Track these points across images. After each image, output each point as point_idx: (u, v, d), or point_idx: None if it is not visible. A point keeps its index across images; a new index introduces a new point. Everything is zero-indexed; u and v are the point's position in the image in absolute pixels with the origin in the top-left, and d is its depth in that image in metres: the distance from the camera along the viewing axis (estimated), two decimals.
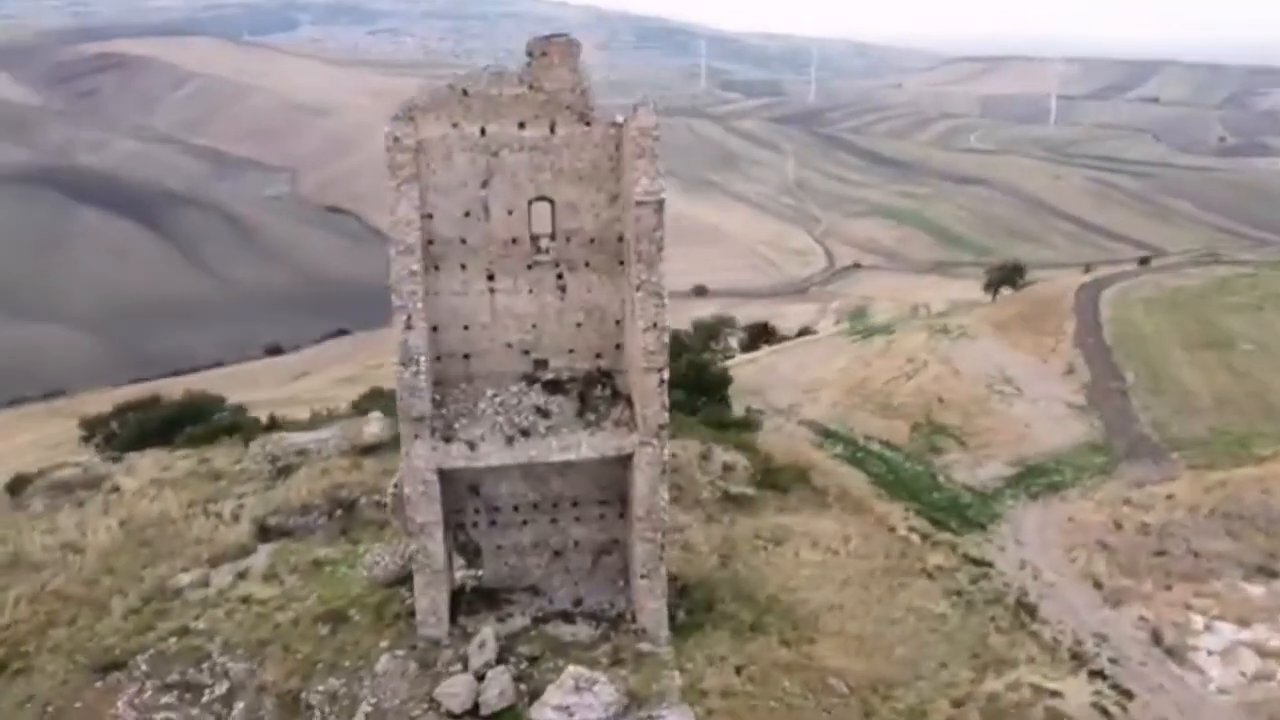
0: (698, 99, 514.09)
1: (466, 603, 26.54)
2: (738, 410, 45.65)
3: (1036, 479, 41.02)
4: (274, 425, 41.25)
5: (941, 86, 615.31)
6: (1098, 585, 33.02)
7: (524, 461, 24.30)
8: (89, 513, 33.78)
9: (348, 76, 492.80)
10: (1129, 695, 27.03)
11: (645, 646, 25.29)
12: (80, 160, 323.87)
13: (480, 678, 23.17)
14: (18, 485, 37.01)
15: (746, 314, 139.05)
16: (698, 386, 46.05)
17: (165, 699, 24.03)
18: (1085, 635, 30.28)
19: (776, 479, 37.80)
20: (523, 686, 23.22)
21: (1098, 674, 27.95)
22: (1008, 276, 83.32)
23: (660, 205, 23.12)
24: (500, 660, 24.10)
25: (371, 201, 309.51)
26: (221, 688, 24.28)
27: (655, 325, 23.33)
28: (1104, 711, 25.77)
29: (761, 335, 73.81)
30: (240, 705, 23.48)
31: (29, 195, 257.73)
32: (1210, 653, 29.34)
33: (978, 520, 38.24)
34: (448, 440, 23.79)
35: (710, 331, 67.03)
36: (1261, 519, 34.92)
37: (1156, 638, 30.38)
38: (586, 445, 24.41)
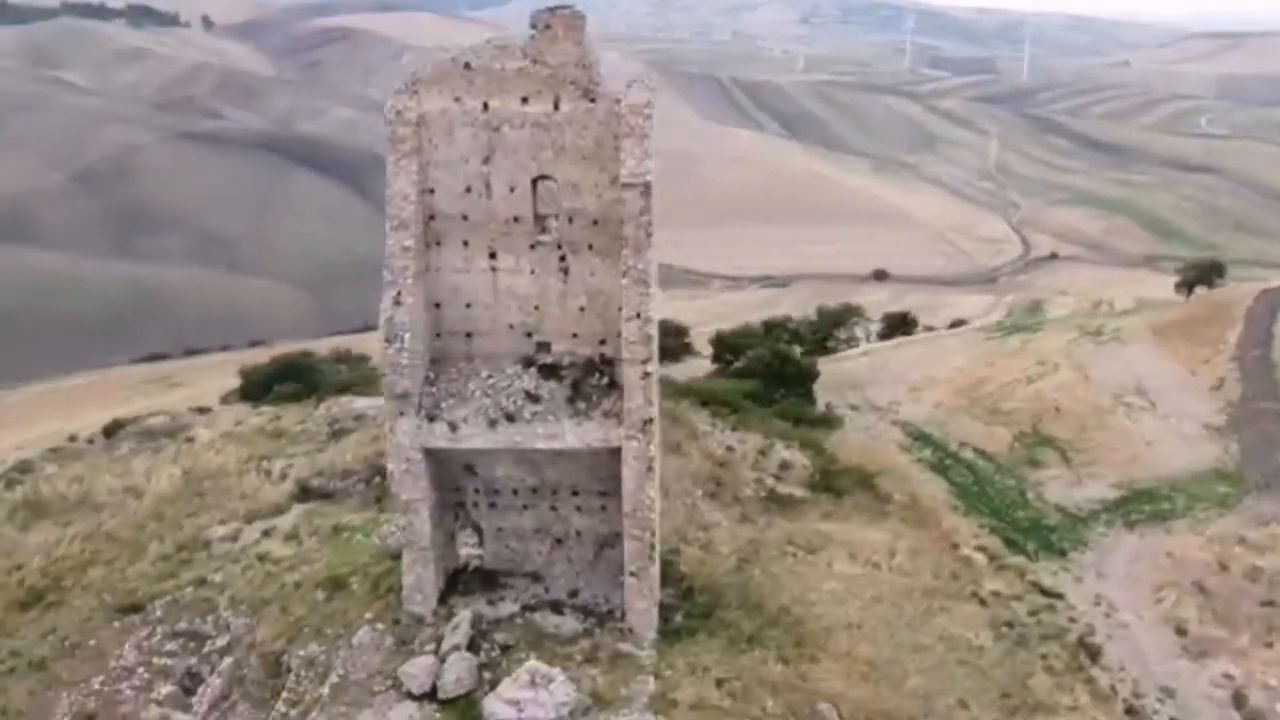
0: (900, 76, 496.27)
1: (464, 582, 26.37)
2: (822, 405, 43.33)
3: (1141, 505, 36.79)
4: (346, 389, 42.50)
5: (1174, 65, 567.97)
6: (1181, 632, 29.35)
7: (507, 446, 23.75)
8: (160, 460, 36.00)
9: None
10: None
11: (626, 647, 24.30)
12: (301, 127, 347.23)
13: (444, 661, 22.94)
14: (112, 429, 39.94)
15: (917, 302, 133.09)
16: (779, 378, 44.09)
17: (170, 645, 25.17)
18: (1149, 687, 27.03)
19: (834, 482, 35.54)
20: (487, 674, 22.81)
21: None
22: (1204, 275, 74.86)
23: (647, 188, 21.89)
24: (473, 646, 23.76)
25: None
26: (222, 641, 25.21)
27: (639, 315, 22.17)
28: None
29: (899, 326, 70.08)
30: (229, 660, 24.27)
31: (253, 159, 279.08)
32: None
33: (1059, 546, 34.71)
34: (431, 420, 23.54)
35: (835, 320, 64.01)
36: None
37: (1239, 700, 26.74)
38: (572, 435, 23.57)
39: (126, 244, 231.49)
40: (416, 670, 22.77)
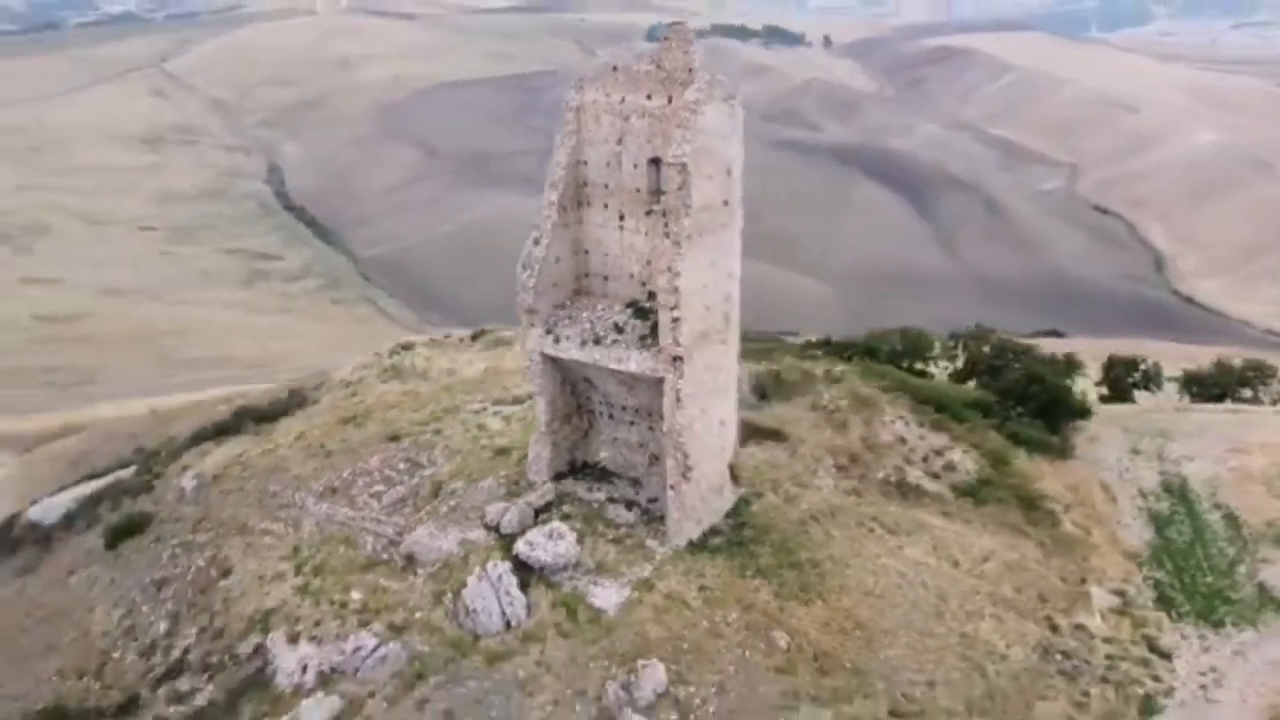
0: None
1: (584, 471, 33.66)
2: (1093, 439, 40.88)
3: None
4: None
5: None
6: None
7: (589, 361, 30.46)
8: (482, 358, 48.30)
9: (1174, 72, 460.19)
10: None
11: (652, 543, 29.82)
12: (887, 142, 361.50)
13: (524, 515, 30.67)
14: (477, 335, 53.60)
15: None
16: (1021, 397, 42.44)
17: (400, 464, 36.24)
18: None
19: (988, 492, 35.03)
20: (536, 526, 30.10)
21: None
22: None
23: (684, 168, 27.04)
24: (547, 509, 31.15)
25: (1152, 208, 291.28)
26: (428, 470, 35.60)
27: (669, 269, 27.48)
28: None
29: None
30: (412, 482, 34.58)
31: (832, 169, 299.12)
32: None
33: (1223, 618, 30.66)
34: (548, 333, 31.16)
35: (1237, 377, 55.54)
36: None
37: None
38: (633, 361, 29.56)
39: None
40: (493, 510, 30.91)
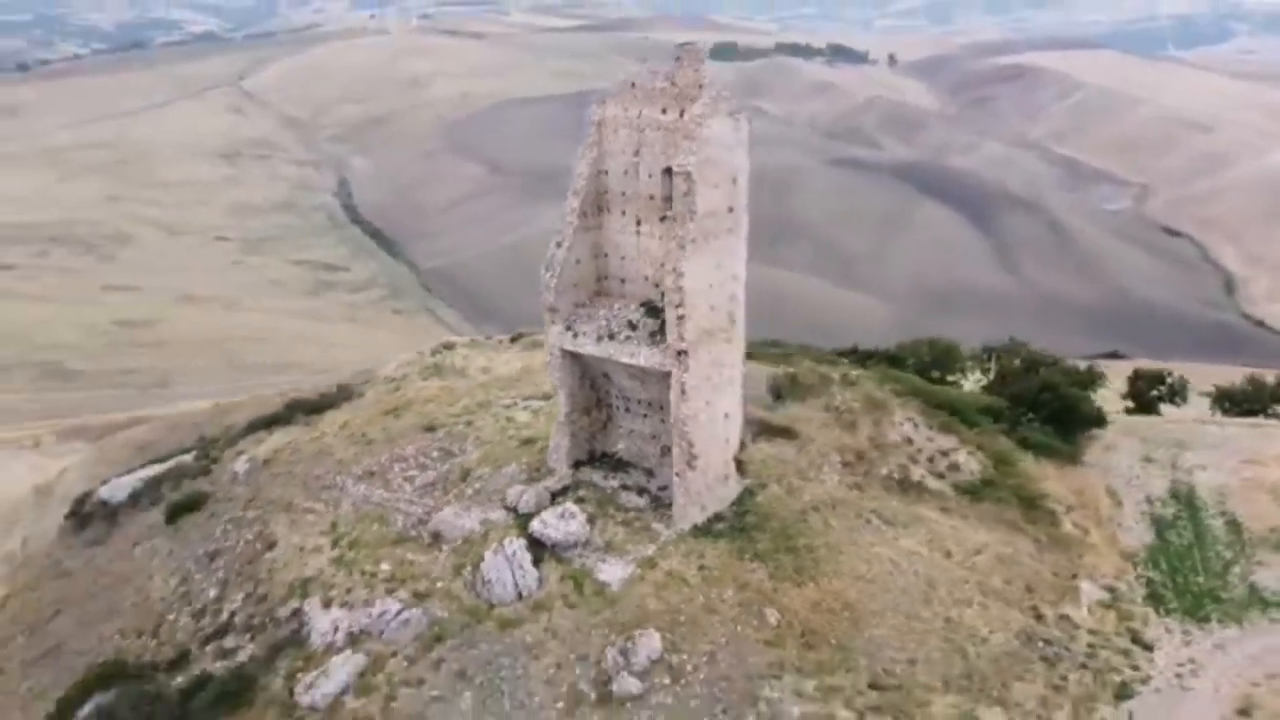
0: None
1: (601, 460, 35.93)
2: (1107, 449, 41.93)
3: None
4: None
5: None
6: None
7: (603, 356, 32.73)
8: (519, 358, 50.75)
9: (1252, 91, 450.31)
10: None
11: (658, 526, 32.00)
12: (948, 160, 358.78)
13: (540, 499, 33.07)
14: (516, 338, 56.21)
15: None
16: (1033, 404, 43.57)
17: (434, 452, 38.85)
18: None
19: (988, 491, 36.41)
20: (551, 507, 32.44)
21: None
22: None
23: (689, 176, 29.25)
24: (564, 492, 33.48)
25: (1224, 229, 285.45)
26: (456, 459, 38.16)
27: (675, 270, 29.68)
28: None
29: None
30: (443, 468, 37.17)
31: (892, 186, 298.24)
32: None
33: (1209, 614, 31.63)
34: (567, 329, 33.55)
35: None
36: None
37: None
38: (642, 355, 31.78)
39: (770, 249, 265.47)
40: (513, 492, 33.38)
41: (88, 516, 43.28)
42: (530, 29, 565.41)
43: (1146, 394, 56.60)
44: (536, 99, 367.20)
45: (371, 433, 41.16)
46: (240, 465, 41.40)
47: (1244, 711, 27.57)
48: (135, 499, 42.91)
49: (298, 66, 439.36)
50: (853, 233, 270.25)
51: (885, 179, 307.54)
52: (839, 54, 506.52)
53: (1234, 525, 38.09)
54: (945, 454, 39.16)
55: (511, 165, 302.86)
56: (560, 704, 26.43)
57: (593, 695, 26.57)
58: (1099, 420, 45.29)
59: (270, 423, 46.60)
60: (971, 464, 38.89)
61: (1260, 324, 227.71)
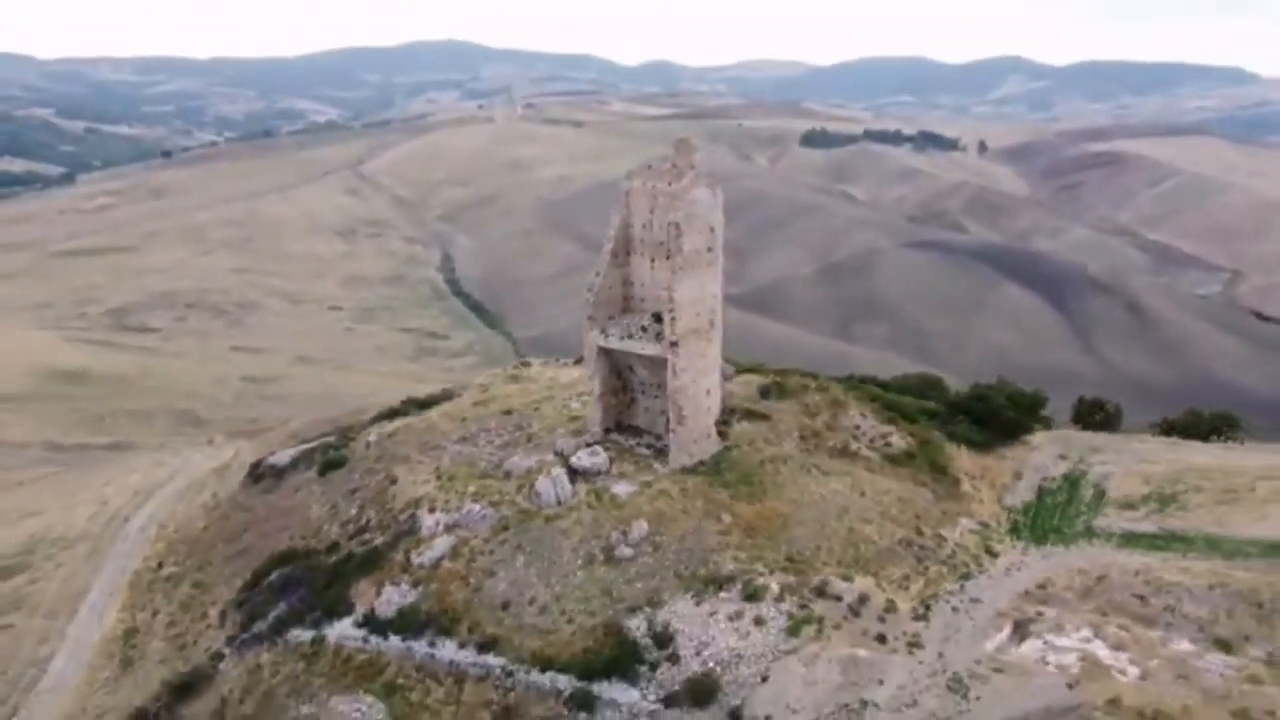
0: None
1: (627, 429, 50.31)
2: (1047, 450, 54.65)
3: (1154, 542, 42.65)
4: None
5: None
6: (1023, 596, 39.34)
7: (624, 350, 47.38)
8: (567, 373, 66.01)
9: None
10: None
11: (657, 465, 46.29)
12: (1033, 244, 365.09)
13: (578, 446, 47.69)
14: (579, 361, 71.38)
15: None
16: (965, 410, 56.29)
17: (507, 426, 53.70)
18: (960, 604, 39.17)
19: (907, 461, 49.39)
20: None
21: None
22: None
23: (678, 225, 44.05)
24: (595, 444, 47.96)
25: None
26: (523, 430, 52.94)
27: (670, 288, 44.36)
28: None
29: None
30: (515, 435, 51.99)
31: (968, 267, 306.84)
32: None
33: (1050, 541, 43.94)
34: (602, 331, 48.37)
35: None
36: None
37: (1017, 630, 37.36)
38: (649, 347, 46.35)
39: (846, 327, 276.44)
40: (561, 443, 48.08)
41: (261, 475, 59.42)
42: (629, 117, 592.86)
43: (1088, 417, 68.30)
44: None
45: (466, 415, 56.51)
46: (371, 438, 57.13)
47: (1041, 585, 39.89)
48: (295, 463, 58.87)
49: (410, 152, 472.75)
50: (930, 312, 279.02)
51: (967, 261, 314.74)
52: (928, 140, 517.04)
53: (1100, 495, 50.15)
54: (883, 436, 52.30)
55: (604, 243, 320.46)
56: (580, 562, 40.59)
57: (601, 557, 40.67)
58: (1020, 426, 57.71)
59: (391, 415, 62.47)
60: (901, 443, 51.97)
61: None
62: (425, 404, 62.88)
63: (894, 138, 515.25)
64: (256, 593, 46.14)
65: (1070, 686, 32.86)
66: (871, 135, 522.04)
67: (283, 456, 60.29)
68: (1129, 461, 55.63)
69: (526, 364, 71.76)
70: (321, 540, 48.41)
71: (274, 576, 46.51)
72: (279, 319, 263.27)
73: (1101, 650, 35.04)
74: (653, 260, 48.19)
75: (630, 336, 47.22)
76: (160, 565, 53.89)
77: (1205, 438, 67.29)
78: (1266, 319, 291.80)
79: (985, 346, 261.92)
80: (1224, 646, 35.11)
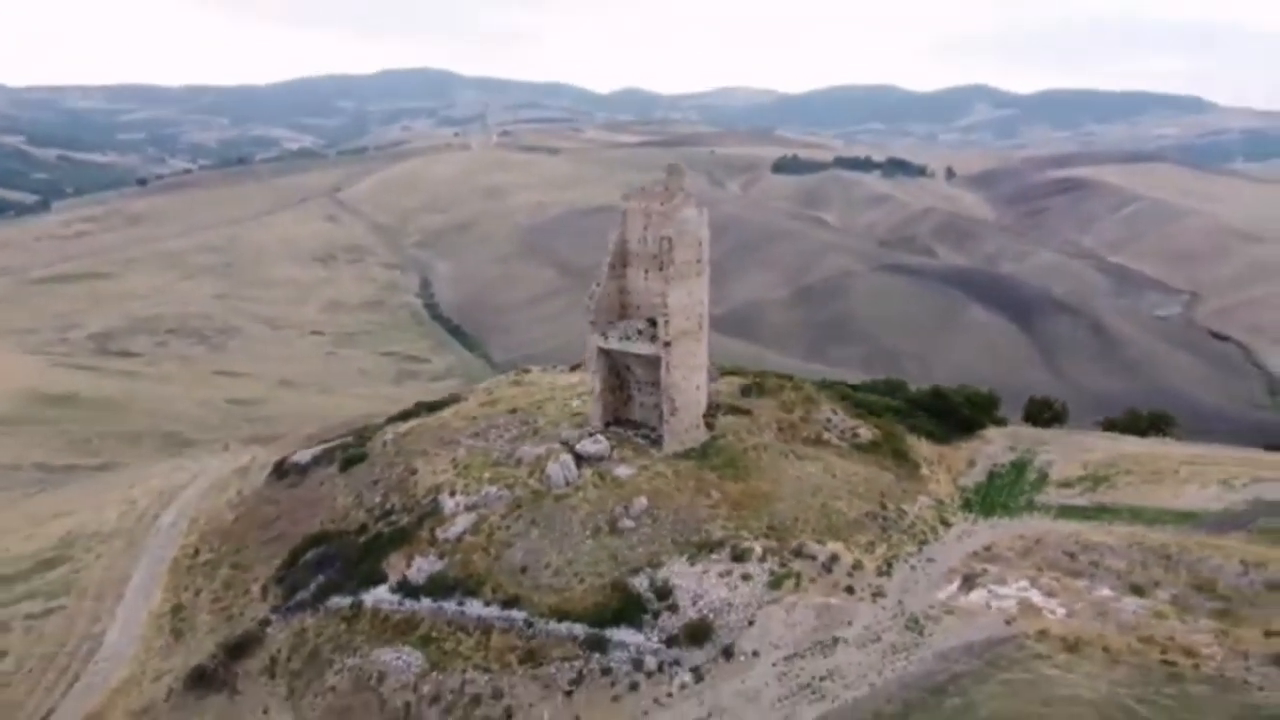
0: None
1: (626, 422, 56.28)
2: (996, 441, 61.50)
3: (1092, 512, 49.12)
4: None
5: None
6: (971, 557, 45.62)
7: (622, 350, 53.46)
8: (568, 379, 71.97)
9: None
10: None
11: (654, 451, 52.25)
12: (1000, 267, 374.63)
13: (582, 437, 53.61)
14: (575, 367, 77.42)
15: None
16: (923, 406, 62.87)
17: (516, 423, 59.47)
18: (918, 563, 45.36)
19: (871, 449, 55.73)
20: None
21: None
22: None
23: (670, 240, 50.33)
24: (596, 434, 53.88)
25: (1270, 334, 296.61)
26: (530, 425, 58.75)
27: (663, 295, 50.57)
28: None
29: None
30: (523, 430, 57.81)
31: (938, 290, 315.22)
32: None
33: (997, 513, 50.36)
34: (602, 334, 54.44)
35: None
36: None
37: (964, 583, 43.54)
38: (644, 347, 52.46)
39: (821, 349, 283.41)
40: (566, 434, 53.95)
41: (285, 472, 64.79)
42: (603, 144, 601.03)
43: (1037, 416, 75.17)
44: (606, 208, 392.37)
45: (476, 415, 62.31)
46: (388, 436, 62.75)
47: (987, 548, 46.17)
48: (316, 461, 64.31)
49: (387, 179, 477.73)
50: (901, 334, 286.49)
51: (936, 284, 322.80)
52: (897, 167, 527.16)
53: (1043, 477, 56.72)
54: (851, 428, 58.66)
55: (581, 268, 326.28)
56: (588, 533, 46.48)
57: (607, 528, 46.55)
58: (976, 422, 64.38)
59: (404, 416, 68.10)
60: (867, 434, 58.34)
61: None
62: (435, 406, 68.58)
63: (864, 164, 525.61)
64: (295, 569, 51.54)
65: (1008, 623, 39.05)
66: (842, 162, 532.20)
67: (304, 455, 65.68)
68: (1071, 451, 62.31)
69: (526, 370, 77.77)
70: (350, 524, 53.90)
71: (310, 555, 51.93)
72: (261, 344, 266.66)
73: (1036, 596, 41.29)
74: (646, 271, 54.42)
75: (628, 338, 53.36)
76: (197, 552, 59.11)
77: (1143, 433, 74.20)
78: (1222, 339, 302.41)
79: (954, 366, 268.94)
80: (1138, 591, 41.44)
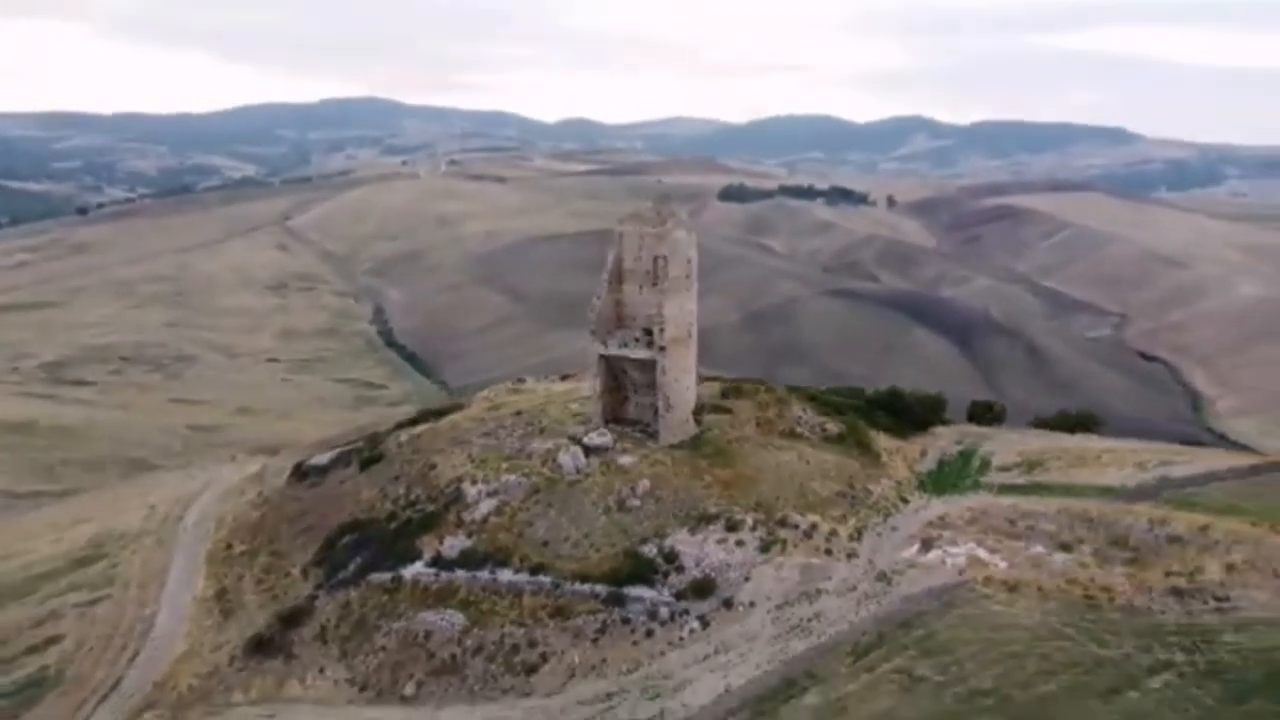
0: None
1: (626, 421, 63.53)
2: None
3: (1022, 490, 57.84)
4: None
5: None
6: (927, 527, 53.65)
7: (621, 355, 60.85)
8: (566, 385, 78.90)
9: (1229, 230, 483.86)
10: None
11: (651, 444, 59.62)
12: (940, 291, 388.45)
13: (587, 432, 60.75)
14: (565, 377, 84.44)
15: None
16: (880, 404, 71.60)
17: (522, 423, 66.33)
18: (885, 530, 53.26)
19: (839, 440, 63.88)
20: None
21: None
22: None
23: (664, 259, 57.98)
24: (605, 429, 61.08)
25: (1195, 354, 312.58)
26: (537, 425, 65.66)
27: (658, 306, 58.12)
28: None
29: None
30: (531, 429, 64.72)
31: (882, 314, 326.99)
32: None
33: (948, 493, 58.68)
34: (602, 341, 61.77)
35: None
36: None
37: (923, 546, 51.44)
38: (641, 352, 59.92)
39: (771, 371, 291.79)
40: (574, 429, 61.00)
41: (304, 474, 70.77)
42: (551, 173, 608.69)
43: (981, 416, 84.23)
44: (556, 236, 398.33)
45: (483, 418, 69.12)
46: (401, 438, 69.16)
47: (940, 519, 54.22)
48: (334, 463, 70.43)
49: (337, 208, 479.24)
50: (848, 356, 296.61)
51: (879, 308, 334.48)
52: (840, 195, 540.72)
53: (986, 464, 65.28)
54: (820, 424, 66.73)
55: (533, 296, 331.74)
56: (600, 512, 53.62)
57: (616, 507, 53.77)
58: (927, 421, 72.99)
59: (412, 423, 74.56)
60: (834, 428, 66.42)
61: (1222, 436, 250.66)
62: (439, 413, 75.12)
63: (808, 193, 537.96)
64: (333, 552, 57.74)
65: (960, 573, 46.92)
66: (786, 190, 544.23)
67: (321, 458, 71.77)
68: (1009, 444, 71.08)
69: (522, 380, 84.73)
70: (379, 513, 60.25)
71: (345, 540, 58.17)
72: (216, 371, 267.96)
73: (982, 553, 49.24)
74: (640, 286, 61.98)
75: (626, 345, 60.81)
76: (230, 546, 64.86)
77: (1071, 431, 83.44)
78: (1150, 359, 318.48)
79: (899, 385, 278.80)
80: (1065, 548, 49.64)
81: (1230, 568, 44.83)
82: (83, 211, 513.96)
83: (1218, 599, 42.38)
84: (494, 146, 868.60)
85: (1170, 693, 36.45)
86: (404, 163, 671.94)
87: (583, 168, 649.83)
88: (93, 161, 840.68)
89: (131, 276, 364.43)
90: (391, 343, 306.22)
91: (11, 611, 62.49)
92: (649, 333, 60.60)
